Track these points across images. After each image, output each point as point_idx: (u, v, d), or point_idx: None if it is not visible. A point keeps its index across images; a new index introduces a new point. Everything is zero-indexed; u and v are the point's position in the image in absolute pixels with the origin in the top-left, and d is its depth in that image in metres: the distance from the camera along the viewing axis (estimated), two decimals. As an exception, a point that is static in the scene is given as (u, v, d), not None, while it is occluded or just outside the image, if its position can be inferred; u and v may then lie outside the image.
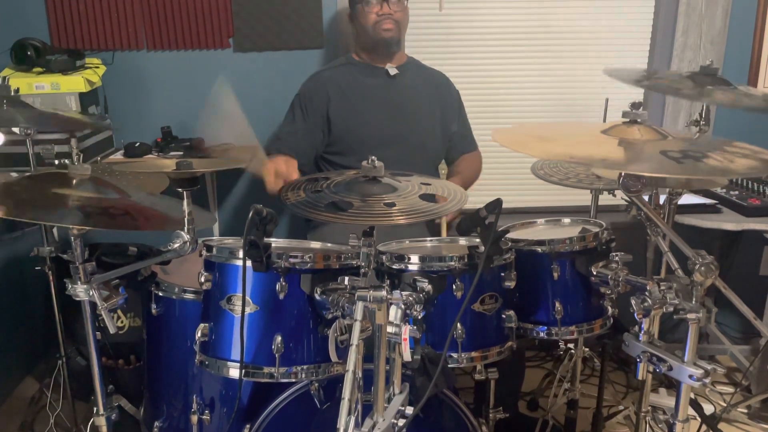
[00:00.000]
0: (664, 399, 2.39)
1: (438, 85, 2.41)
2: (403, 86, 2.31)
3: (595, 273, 1.54)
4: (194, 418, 1.59)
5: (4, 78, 2.27)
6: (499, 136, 1.31)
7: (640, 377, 1.27)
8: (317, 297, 1.29)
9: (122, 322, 2.32)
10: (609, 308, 1.60)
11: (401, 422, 1.12)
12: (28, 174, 1.42)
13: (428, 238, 1.70)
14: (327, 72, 2.33)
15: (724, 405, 2.41)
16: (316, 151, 2.27)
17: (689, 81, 1.69)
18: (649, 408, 1.73)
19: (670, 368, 1.20)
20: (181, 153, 2.48)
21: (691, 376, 1.18)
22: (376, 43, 2.24)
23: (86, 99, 2.41)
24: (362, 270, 1.28)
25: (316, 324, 1.32)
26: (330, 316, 1.28)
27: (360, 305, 1.08)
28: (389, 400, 1.14)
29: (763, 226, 2.23)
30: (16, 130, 1.70)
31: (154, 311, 1.60)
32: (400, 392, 1.16)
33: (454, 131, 2.42)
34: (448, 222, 2.06)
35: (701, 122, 1.88)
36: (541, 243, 1.56)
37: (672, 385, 2.44)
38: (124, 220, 1.31)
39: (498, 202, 1.25)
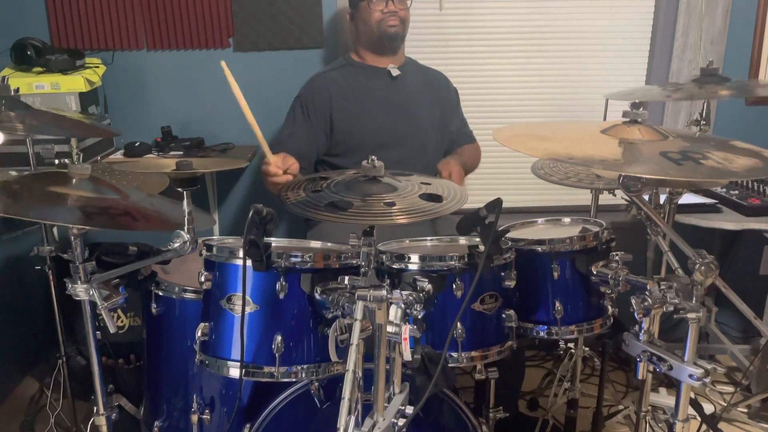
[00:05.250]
0: (664, 398, 2.39)
1: (437, 85, 2.41)
2: (403, 87, 2.31)
3: (595, 272, 1.54)
4: (194, 418, 1.59)
5: (3, 78, 2.28)
6: (500, 135, 1.31)
7: (640, 377, 1.27)
8: (317, 296, 1.29)
9: (122, 321, 2.32)
10: (609, 308, 1.60)
11: (401, 422, 1.12)
12: (27, 173, 1.42)
13: (428, 238, 1.70)
14: (328, 74, 2.32)
15: (724, 404, 2.41)
16: (318, 153, 2.27)
17: (693, 86, 1.72)
18: (649, 407, 1.73)
19: (670, 368, 1.20)
20: (181, 153, 2.49)
21: (691, 376, 1.18)
22: (381, 38, 2.22)
23: (86, 99, 2.41)
24: (362, 269, 1.28)
25: (316, 323, 1.32)
26: (330, 316, 1.28)
27: (360, 305, 1.08)
28: (389, 400, 1.14)
29: (763, 226, 2.23)
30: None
31: (154, 311, 1.60)
32: (400, 392, 1.16)
33: (452, 130, 2.42)
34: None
35: (701, 122, 1.88)
36: (541, 242, 1.56)
37: (672, 385, 2.44)
38: (125, 220, 1.31)
39: (498, 202, 1.25)
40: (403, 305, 1.10)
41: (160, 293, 1.60)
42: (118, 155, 2.51)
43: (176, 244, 1.35)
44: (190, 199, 1.35)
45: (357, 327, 1.07)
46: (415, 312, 1.12)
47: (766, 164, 1.20)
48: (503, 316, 1.46)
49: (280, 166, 1.79)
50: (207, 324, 1.37)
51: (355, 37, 2.35)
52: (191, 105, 2.70)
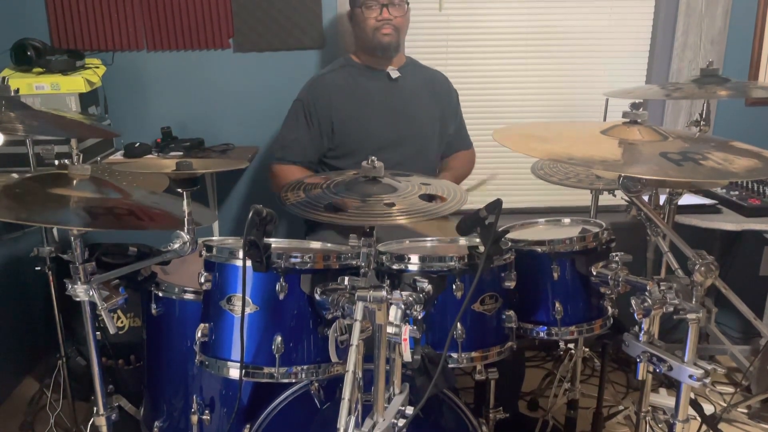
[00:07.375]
0: (664, 399, 2.39)
1: (438, 87, 2.41)
2: (403, 89, 2.31)
3: (595, 273, 1.54)
4: (194, 418, 1.59)
5: (4, 78, 2.28)
6: (500, 136, 1.31)
7: (640, 377, 1.27)
8: (317, 297, 1.29)
9: (122, 322, 2.32)
10: (609, 308, 1.60)
11: (401, 422, 1.12)
12: (28, 175, 1.42)
13: (428, 238, 1.70)
14: (328, 76, 2.31)
15: (724, 405, 2.41)
16: (320, 156, 2.27)
17: (693, 86, 1.72)
18: (649, 408, 1.73)
19: (670, 368, 1.20)
20: (181, 153, 2.49)
21: (691, 376, 1.18)
22: (375, 48, 2.24)
23: (86, 99, 2.41)
24: (362, 270, 1.28)
25: (316, 324, 1.32)
26: (330, 316, 1.28)
27: (360, 305, 1.09)
28: (389, 400, 1.14)
29: (763, 226, 2.23)
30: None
31: (154, 311, 1.60)
32: (400, 392, 1.16)
33: (450, 133, 2.42)
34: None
35: (701, 122, 1.88)
36: (541, 243, 1.56)
37: (672, 385, 2.44)
38: (129, 220, 1.31)
39: (498, 203, 1.25)
40: (403, 306, 1.10)
41: (160, 294, 1.60)
42: (117, 156, 2.51)
43: (176, 245, 1.35)
44: (190, 199, 1.35)
45: (357, 328, 1.07)
46: (415, 313, 1.12)
47: (766, 165, 1.20)
48: (503, 316, 1.46)
49: None
50: (207, 325, 1.37)
51: (354, 38, 2.35)
52: (191, 105, 2.70)
